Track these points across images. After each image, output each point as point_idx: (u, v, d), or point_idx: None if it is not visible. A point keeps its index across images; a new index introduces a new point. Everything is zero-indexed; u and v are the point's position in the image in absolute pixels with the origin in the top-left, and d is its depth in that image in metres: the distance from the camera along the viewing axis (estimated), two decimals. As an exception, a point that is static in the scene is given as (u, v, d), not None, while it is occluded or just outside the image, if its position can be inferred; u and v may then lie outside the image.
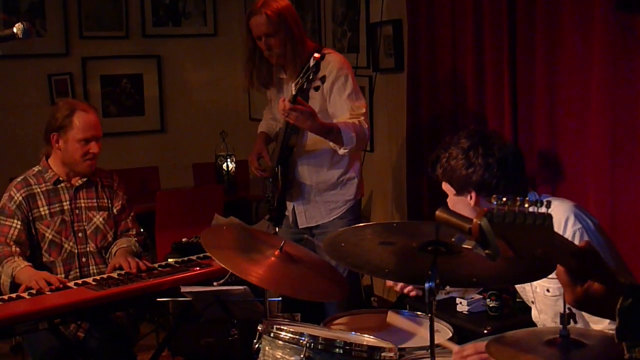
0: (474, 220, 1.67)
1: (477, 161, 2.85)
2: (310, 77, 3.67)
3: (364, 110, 4.08)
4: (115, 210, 4.04)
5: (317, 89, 3.83)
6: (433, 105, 4.90)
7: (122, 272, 3.74)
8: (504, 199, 1.65)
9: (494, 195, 1.68)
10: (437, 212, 1.87)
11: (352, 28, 6.04)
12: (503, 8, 4.15)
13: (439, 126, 4.83)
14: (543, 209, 1.65)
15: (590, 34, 3.66)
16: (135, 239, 4.05)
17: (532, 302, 3.05)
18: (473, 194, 2.88)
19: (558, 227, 2.77)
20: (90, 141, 3.84)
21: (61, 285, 3.57)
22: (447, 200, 2.98)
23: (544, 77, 3.97)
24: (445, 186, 2.98)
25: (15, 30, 2.96)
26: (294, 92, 3.76)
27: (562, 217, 2.79)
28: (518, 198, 1.65)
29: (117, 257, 3.86)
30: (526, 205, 1.65)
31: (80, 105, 3.89)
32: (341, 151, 3.99)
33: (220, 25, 7.94)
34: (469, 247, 1.75)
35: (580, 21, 3.72)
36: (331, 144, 4.00)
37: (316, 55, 3.66)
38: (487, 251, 1.68)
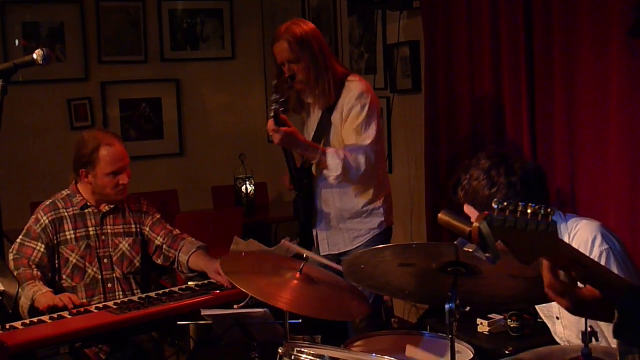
0: (474, 223, 1.67)
1: (499, 180, 2.83)
2: (272, 97, 3.79)
3: (367, 142, 3.93)
4: (147, 228, 4.06)
5: (284, 111, 3.84)
6: (450, 126, 4.90)
7: (143, 296, 3.76)
8: (505, 203, 1.65)
9: (495, 200, 1.68)
10: (440, 215, 1.88)
11: (369, 49, 6.06)
12: (520, 29, 4.15)
13: (457, 146, 4.82)
14: (546, 216, 1.65)
15: (608, 55, 3.64)
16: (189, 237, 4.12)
17: (557, 318, 3.01)
18: (497, 214, 2.85)
19: (585, 247, 2.75)
20: (119, 173, 3.86)
21: (82, 309, 3.57)
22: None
23: (562, 98, 3.96)
24: (468, 208, 2.94)
25: (35, 56, 3.00)
26: (271, 114, 3.77)
27: (590, 236, 2.77)
28: (520, 203, 1.65)
29: (212, 262, 3.91)
30: (529, 211, 1.65)
31: (104, 138, 3.88)
32: (330, 179, 3.92)
33: (238, 49, 7.99)
34: (470, 250, 1.75)
35: (597, 42, 3.70)
36: (324, 170, 3.95)
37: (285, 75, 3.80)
38: (486, 254, 1.69)
